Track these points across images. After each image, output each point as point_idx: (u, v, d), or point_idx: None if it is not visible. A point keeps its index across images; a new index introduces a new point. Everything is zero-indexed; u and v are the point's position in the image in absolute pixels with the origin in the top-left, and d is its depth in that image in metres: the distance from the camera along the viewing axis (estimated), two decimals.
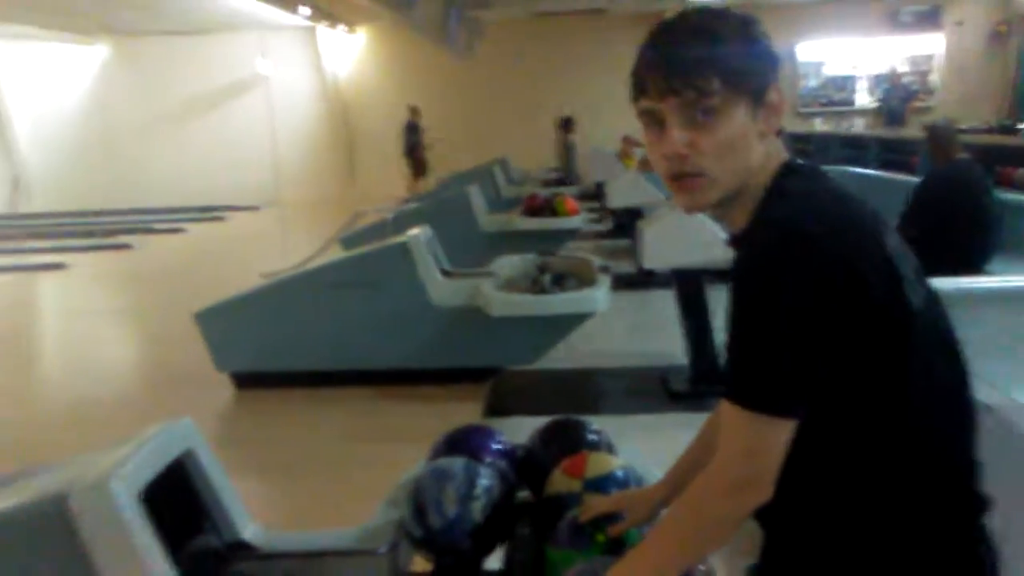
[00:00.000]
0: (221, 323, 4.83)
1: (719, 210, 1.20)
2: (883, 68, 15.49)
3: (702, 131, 1.12)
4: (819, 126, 14.37)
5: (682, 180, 1.16)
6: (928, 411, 1.10)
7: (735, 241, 1.18)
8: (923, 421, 1.10)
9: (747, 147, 1.13)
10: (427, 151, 14.24)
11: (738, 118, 1.12)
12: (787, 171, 1.16)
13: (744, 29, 1.14)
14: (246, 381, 4.85)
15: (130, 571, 1.39)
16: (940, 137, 5.00)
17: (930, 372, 1.10)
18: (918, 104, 14.63)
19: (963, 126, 9.39)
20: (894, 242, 1.11)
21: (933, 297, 1.14)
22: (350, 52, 16.59)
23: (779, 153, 1.18)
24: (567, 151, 12.70)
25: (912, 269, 1.11)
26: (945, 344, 1.14)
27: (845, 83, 16.18)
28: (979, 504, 1.14)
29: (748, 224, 1.15)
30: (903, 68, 15.47)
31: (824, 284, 1.02)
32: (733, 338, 1.08)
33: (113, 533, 1.39)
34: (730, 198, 1.17)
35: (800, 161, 1.21)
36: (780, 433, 1.06)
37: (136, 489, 1.44)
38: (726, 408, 1.09)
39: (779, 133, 1.18)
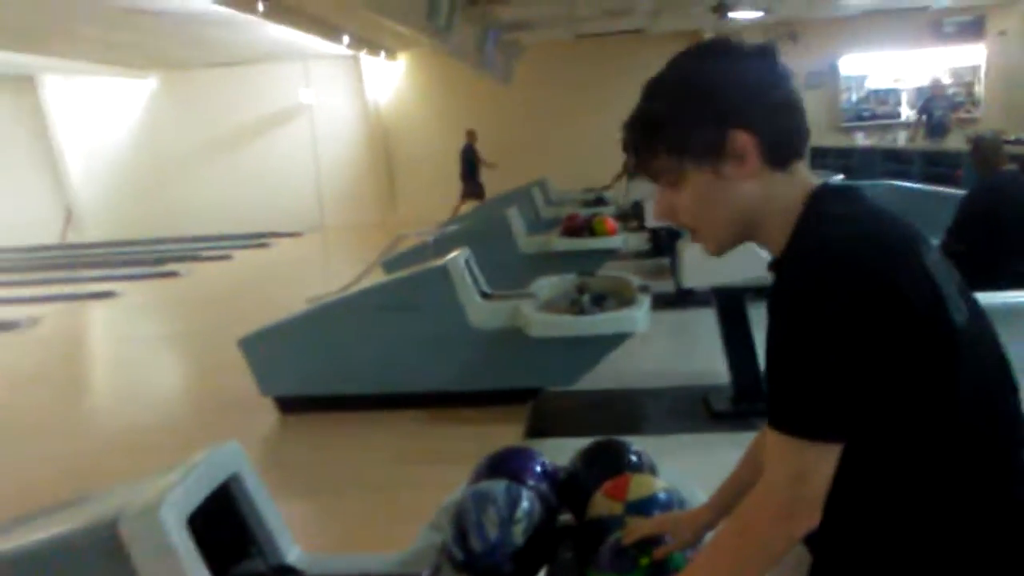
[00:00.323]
0: (265, 348, 4.90)
1: (749, 242, 1.22)
2: (926, 80, 15.29)
3: (676, 195, 1.19)
4: (861, 140, 14.19)
5: (689, 233, 1.24)
6: (976, 429, 1.08)
7: (774, 266, 1.18)
8: (971, 439, 1.08)
9: (726, 197, 1.16)
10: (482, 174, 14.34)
11: (701, 177, 1.15)
12: (822, 194, 1.15)
13: (689, 85, 1.16)
14: (290, 405, 4.91)
15: None
16: (985, 149, 4.92)
17: (977, 389, 1.08)
18: (962, 116, 14.38)
19: (1009, 137, 9.21)
20: (934, 259, 1.10)
21: (978, 312, 1.12)
22: (391, 79, 16.81)
23: (802, 179, 1.17)
24: (629, 173, 12.66)
25: (955, 285, 1.10)
26: (992, 360, 1.13)
27: (888, 96, 15.98)
28: None
29: (785, 249, 1.14)
30: (947, 80, 15.24)
31: (864, 305, 1.01)
32: (774, 364, 1.08)
33: (162, 558, 1.42)
34: (745, 236, 1.19)
35: (836, 182, 1.21)
36: (826, 457, 1.05)
37: (184, 514, 1.47)
38: (770, 434, 1.08)
39: (800, 157, 1.18)
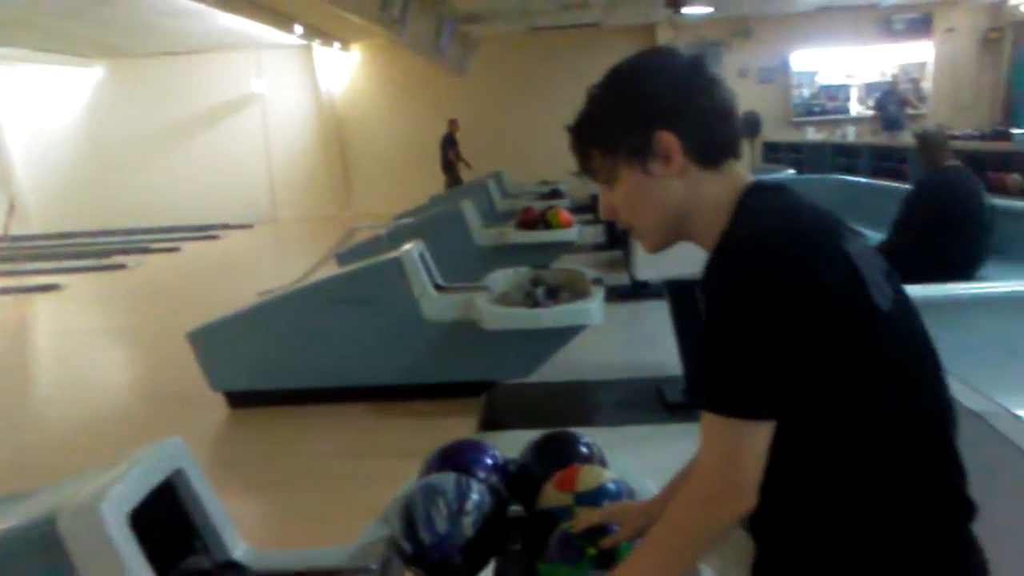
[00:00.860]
0: (214, 342, 4.83)
1: (684, 241, 1.27)
2: (876, 76, 15.57)
3: (613, 193, 1.26)
4: (812, 135, 14.42)
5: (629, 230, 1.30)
6: (902, 411, 1.11)
7: None
8: (898, 422, 1.11)
9: (656, 194, 1.22)
10: (461, 164, 14.34)
11: (632, 176, 1.22)
12: (750, 191, 1.21)
13: (619, 90, 1.24)
14: (240, 400, 4.84)
15: None
16: (930, 143, 5.02)
17: (901, 371, 1.11)
18: (910, 111, 14.69)
19: (955, 132, 9.42)
20: (858, 246, 1.14)
21: (903, 299, 1.16)
22: (345, 70, 16.65)
23: (734, 178, 1.22)
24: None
25: (879, 272, 1.14)
26: (917, 344, 1.16)
27: (838, 92, 16.25)
28: (966, 510, 1.14)
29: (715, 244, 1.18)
30: (896, 75, 15.57)
31: (782, 290, 1.05)
32: (705, 350, 1.11)
33: (102, 555, 1.39)
34: (678, 233, 1.26)
35: (765, 180, 1.26)
36: (756, 436, 1.08)
37: (125, 511, 1.44)
38: (704, 418, 1.11)
39: (731, 157, 1.23)
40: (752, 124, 13.21)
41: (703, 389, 1.12)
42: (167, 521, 1.60)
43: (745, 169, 1.25)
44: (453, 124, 14.45)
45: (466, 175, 14.23)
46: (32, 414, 5.54)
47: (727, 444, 1.09)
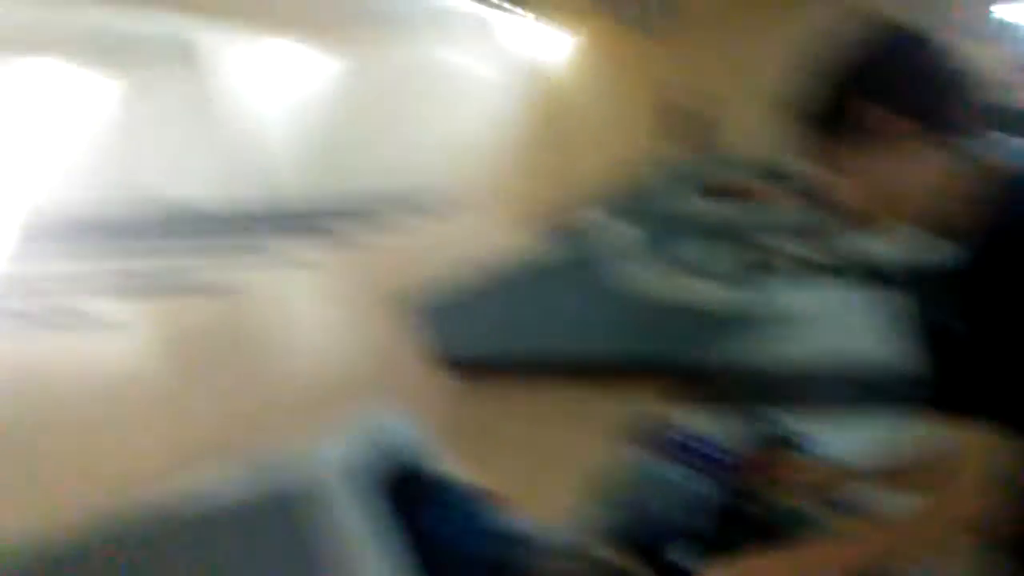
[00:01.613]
0: (439, 312, 4.99)
1: (899, 222, 1.24)
2: None
3: (835, 168, 1.23)
4: None
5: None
6: None
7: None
8: None
9: (884, 171, 1.17)
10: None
11: (854, 150, 1.17)
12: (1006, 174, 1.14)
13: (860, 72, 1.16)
14: (468, 370, 4.95)
15: (356, 564, 1.42)
16: None
17: None
18: None
19: None
20: None
21: None
22: (556, 46, 16.37)
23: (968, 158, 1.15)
24: None
25: None
26: None
27: None
28: None
29: (973, 227, 1.11)
30: None
31: None
32: (992, 350, 1.05)
33: (343, 525, 1.44)
34: (892, 213, 1.21)
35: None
36: None
37: (361, 479, 1.50)
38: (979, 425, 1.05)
39: (971, 134, 1.15)
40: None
41: (981, 396, 1.06)
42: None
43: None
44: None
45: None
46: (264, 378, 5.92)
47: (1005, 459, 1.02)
